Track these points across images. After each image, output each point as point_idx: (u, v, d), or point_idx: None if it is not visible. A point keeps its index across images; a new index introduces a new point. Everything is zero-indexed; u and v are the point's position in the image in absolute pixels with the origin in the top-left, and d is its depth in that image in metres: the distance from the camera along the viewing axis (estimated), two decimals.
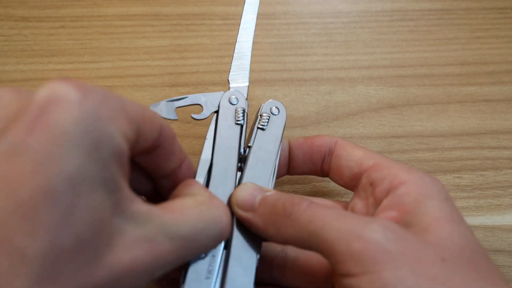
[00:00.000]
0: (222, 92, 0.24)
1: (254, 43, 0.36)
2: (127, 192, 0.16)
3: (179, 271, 0.21)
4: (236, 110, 0.24)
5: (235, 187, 0.22)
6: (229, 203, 0.22)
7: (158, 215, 0.17)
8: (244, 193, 0.21)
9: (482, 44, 0.37)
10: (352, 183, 0.24)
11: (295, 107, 0.33)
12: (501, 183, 0.30)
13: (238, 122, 0.23)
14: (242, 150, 0.23)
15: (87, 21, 0.37)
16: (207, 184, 0.22)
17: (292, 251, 0.24)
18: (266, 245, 0.23)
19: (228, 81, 0.25)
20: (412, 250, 0.18)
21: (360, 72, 0.35)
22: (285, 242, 0.20)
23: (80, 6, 0.37)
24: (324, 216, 0.19)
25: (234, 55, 0.26)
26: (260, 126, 0.24)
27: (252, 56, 0.36)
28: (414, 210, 0.20)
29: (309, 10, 0.38)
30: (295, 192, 0.29)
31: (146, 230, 0.16)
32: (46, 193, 0.13)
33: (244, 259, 0.20)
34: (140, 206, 0.16)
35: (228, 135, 0.23)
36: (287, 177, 0.27)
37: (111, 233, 0.15)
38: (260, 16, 0.38)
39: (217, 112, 0.24)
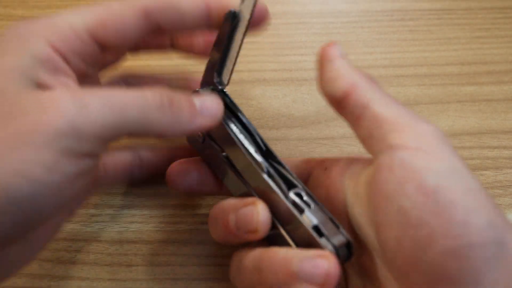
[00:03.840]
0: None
1: (254, 42, 0.36)
2: None
3: None
4: None
5: None
6: None
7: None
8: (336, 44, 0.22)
9: (482, 44, 0.37)
10: None
11: (295, 107, 0.33)
12: (501, 182, 0.30)
13: None
14: None
15: None
16: None
17: None
18: None
19: None
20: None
21: None
22: (347, 95, 0.20)
23: None
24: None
25: None
26: None
27: (252, 56, 0.36)
28: None
29: (309, 10, 0.38)
30: None
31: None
32: None
33: None
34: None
35: None
36: None
37: None
38: None
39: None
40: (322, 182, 0.23)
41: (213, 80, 0.23)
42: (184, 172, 0.25)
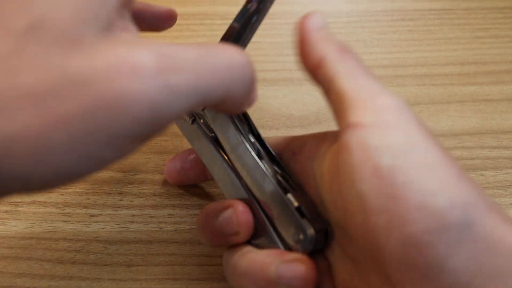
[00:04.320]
0: None
1: (254, 42, 0.36)
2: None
3: None
4: None
5: None
6: None
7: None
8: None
9: (482, 44, 0.37)
10: None
11: (295, 107, 0.33)
12: (501, 182, 0.30)
13: None
14: None
15: None
16: None
17: None
18: None
19: None
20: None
21: None
22: (320, 62, 0.20)
23: None
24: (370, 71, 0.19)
25: None
26: None
27: (252, 55, 0.36)
28: None
29: (309, 10, 0.38)
30: None
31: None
32: None
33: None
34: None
35: None
36: None
37: None
38: None
39: None
40: (292, 169, 0.22)
41: None
42: (172, 169, 0.27)
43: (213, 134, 0.24)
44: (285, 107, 0.33)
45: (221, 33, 0.37)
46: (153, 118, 0.14)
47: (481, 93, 0.34)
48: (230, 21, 0.37)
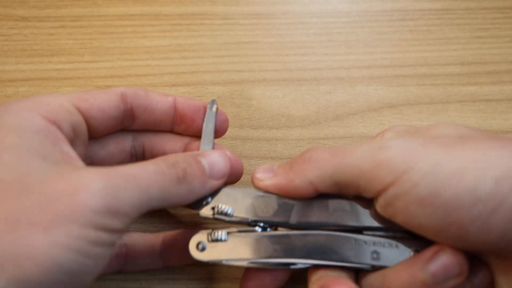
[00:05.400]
0: None
1: (254, 43, 0.36)
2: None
3: None
4: None
5: None
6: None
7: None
8: (261, 168, 0.24)
9: (482, 44, 0.37)
10: None
11: (295, 107, 0.33)
12: None
13: None
14: None
15: (87, 20, 0.37)
16: None
17: None
18: None
19: None
20: (428, 138, 0.20)
21: (360, 71, 0.35)
22: (314, 186, 0.22)
23: (80, 6, 0.37)
24: (344, 148, 0.22)
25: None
26: None
27: (252, 56, 0.36)
28: None
29: (309, 10, 0.38)
30: None
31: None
32: None
33: None
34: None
35: None
36: None
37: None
38: (260, 16, 0.38)
39: None
40: None
41: None
42: None
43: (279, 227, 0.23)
44: (285, 107, 0.33)
45: (221, 33, 0.37)
46: (109, 209, 0.17)
47: (481, 93, 0.34)
48: (230, 21, 0.38)
